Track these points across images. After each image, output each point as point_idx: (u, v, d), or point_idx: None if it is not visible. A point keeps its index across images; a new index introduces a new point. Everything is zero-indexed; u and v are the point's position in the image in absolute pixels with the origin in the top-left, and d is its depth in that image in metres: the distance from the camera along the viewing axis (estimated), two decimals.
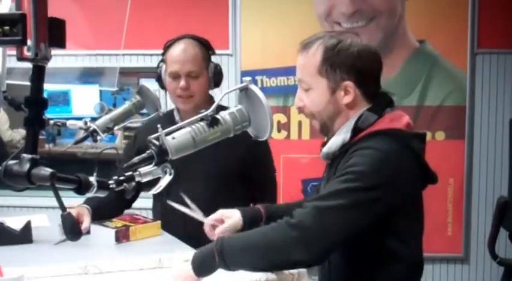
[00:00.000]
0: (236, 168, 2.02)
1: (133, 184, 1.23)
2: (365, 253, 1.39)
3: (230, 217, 1.58)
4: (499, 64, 3.11)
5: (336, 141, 1.44)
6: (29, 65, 1.10)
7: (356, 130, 1.41)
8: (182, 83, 1.98)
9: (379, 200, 1.31)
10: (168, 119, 1.97)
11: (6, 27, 0.99)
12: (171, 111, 2.09)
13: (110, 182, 1.20)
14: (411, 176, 1.38)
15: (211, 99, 2.11)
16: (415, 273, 1.47)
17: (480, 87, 3.13)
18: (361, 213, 1.31)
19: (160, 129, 1.26)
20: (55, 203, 1.12)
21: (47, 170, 1.07)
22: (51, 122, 1.72)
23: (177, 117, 2.06)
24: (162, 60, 2.04)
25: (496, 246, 2.51)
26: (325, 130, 1.48)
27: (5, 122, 3.73)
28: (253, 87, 1.39)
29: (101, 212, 1.92)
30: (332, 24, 3.12)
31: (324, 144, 1.51)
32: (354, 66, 1.41)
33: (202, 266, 1.33)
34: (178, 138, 1.28)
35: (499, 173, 3.17)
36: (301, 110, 1.49)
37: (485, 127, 3.15)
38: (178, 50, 2.00)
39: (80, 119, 1.91)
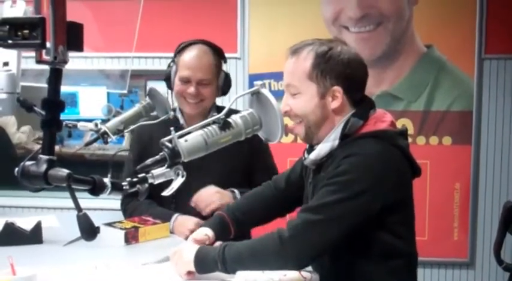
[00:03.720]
0: (240, 165, 2.05)
1: (147, 185, 1.25)
2: (361, 249, 1.43)
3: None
4: (506, 69, 3.11)
5: (324, 148, 1.47)
6: (42, 66, 1.12)
7: (344, 136, 1.45)
8: (192, 89, 2.00)
9: (368, 204, 1.37)
10: (173, 122, 1.97)
11: (26, 31, 1.01)
12: (174, 115, 2.09)
13: (124, 183, 1.22)
14: (400, 174, 1.43)
15: (213, 105, 2.13)
16: (412, 264, 1.53)
17: (487, 93, 3.13)
18: (351, 222, 1.37)
19: (173, 132, 1.27)
20: (64, 204, 1.14)
21: (63, 171, 1.09)
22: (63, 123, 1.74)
23: (181, 121, 2.07)
24: (173, 61, 2.06)
25: (502, 251, 2.51)
26: (310, 137, 1.51)
27: (13, 124, 3.75)
28: (264, 91, 1.41)
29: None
30: (339, 29, 3.13)
31: (308, 151, 1.55)
32: (344, 73, 1.45)
33: (204, 267, 1.42)
34: (190, 140, 1.30)
35: (506, 179, 3.16)
36: (287, 114, 1.51)
37: (492, 132, 3.15)
38: (191, 55, 2.02)
39: (87, 120, 1.92)
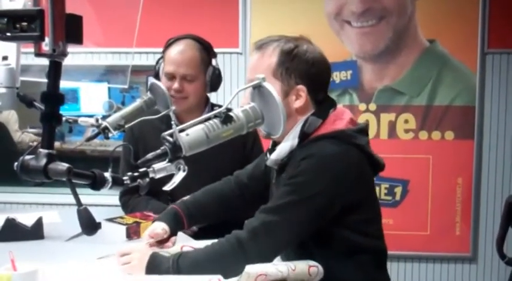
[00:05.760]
0: (232, 166, 2.03)
1: (148, 180, 1.24)
2: (325, 245, 1.43)
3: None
4: (509, 64, 3.09)
5: (284, 147, 1.46)
6: (46, 61, 1.11)
7: (303, 135, 1.44)
8: (176, 85, 1.99)
9: (323, 205, 1.37)
10: (165, 119, 1.95)
11: (25, 23, 1.00)
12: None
13: (125, 178, 1.21)
14: (359, 173, 1.42)
15: (207, 101, 2.11)
16: (381, 259, 1.52)
17: (490, 87, 3.11)
18: (308, 223, 1.38)
19: (174, 126, 1.27)
20: (65, 200, 1.13)
21: (63, 165, 1.08)
22: (63, 118, 1.73)
23: (173, 117, 2.04)
24: (162, 58, 2.05)
25: (504, 246, 2.50)
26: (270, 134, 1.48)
27: (15, 121, 3.74)
28: (266, 84, 1.40)
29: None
30: (342, 23, 3.11)
31: (270, 151, 1.53)
32: (308, 73, 1.44)
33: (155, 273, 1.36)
34: (192, 135, 1.29)
35: (508, 173, 3.15)
36: None
37: (494, 127, 3.14)
38: (176, 50, 2.01)
39: (88, 116, 1.92)
